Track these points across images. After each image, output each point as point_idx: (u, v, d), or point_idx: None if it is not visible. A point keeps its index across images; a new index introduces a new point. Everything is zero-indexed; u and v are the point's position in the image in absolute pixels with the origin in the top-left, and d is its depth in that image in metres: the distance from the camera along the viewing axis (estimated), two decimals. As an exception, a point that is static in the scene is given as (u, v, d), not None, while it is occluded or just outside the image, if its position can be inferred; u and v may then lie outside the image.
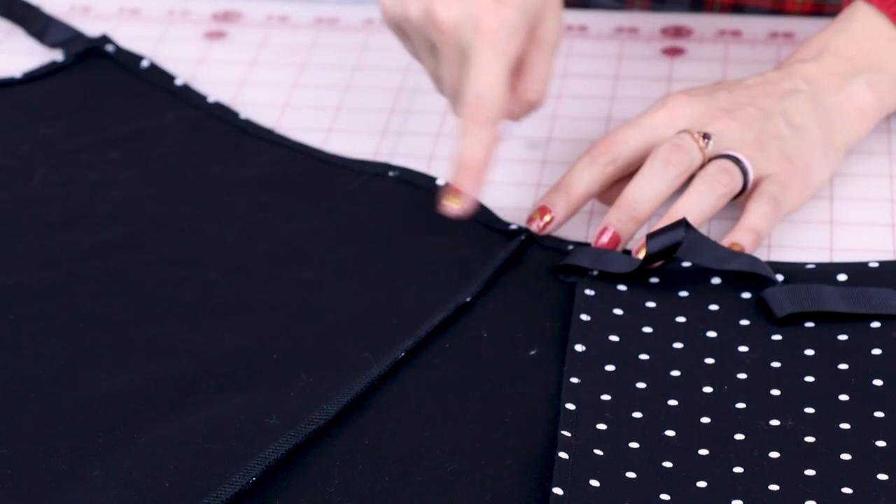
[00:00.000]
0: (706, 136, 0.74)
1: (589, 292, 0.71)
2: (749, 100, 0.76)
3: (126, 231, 0.76)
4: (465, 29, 0.72)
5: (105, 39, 0.90)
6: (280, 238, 0.75)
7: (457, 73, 0.74)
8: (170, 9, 0.95)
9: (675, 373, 0.67)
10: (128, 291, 0.72)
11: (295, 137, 0.83)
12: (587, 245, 0.74)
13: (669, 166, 0.73)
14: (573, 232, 0.76)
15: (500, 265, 0.73)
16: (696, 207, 0.72)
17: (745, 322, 0.69)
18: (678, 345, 0.68)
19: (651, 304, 0.70)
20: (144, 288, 0.72)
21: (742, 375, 0.66)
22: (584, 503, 0.60)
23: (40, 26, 0.91)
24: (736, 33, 0.90)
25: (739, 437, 0.63)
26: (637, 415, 0.64)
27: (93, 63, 0.89)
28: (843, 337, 0.68)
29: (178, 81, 0.87)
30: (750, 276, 0.71)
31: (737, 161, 0.74)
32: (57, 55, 0.90)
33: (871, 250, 0.74)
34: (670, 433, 0.63)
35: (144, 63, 0.88)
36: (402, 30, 0.76)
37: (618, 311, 0.70)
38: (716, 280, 0.71)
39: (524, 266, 0.73)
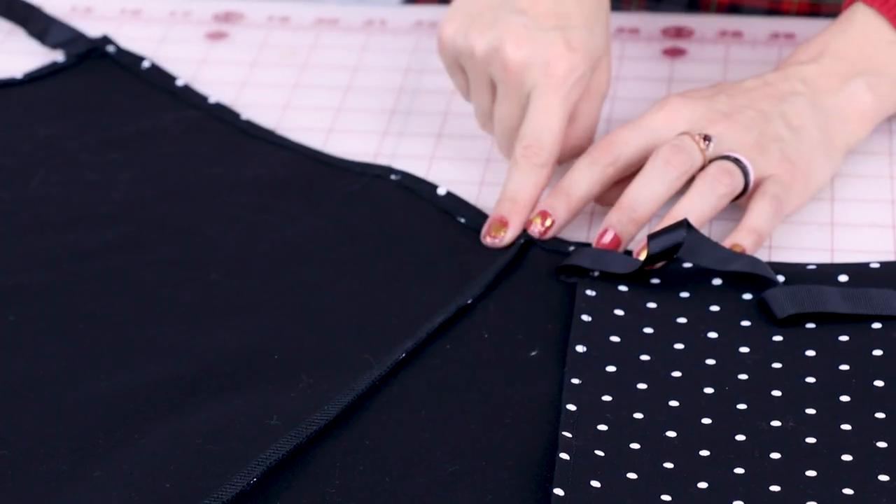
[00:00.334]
0: (706, 138, 0.74)
1: (590, 293, 0.71)
2: (748, 102, 0.76)
3: (126, 231, 0.76)
4: (533, 71, 0.74)
5: (106, 40, 0.90)
6: (281, 239, 0.75)
7: (515, 113, 0.75)
8: (171, 10, 0.95)
9: (676, 373, 0.67)
10: (128, 292, 0.72)
11: (296, 138, 0.83)
12: (588, 246, 0.74)
13: (670, 167, 0.73)
14: (574, 233, 0.76)
15: (500, 268, 0.72)
16: (697, 208, 0.73)
17: (746, 323, 0.69)
18: (679, 345, 0.68)
19: (652, 305, 0.70)
20: (145, 288, 0.72)
21: (743, 376, 0.66)
22: (584, 504, 0.60)
23: (41, 27, 0.91)
24: (737, 34, 0.90)
25: (740, 437, 0.63)
26: (638, 415, 0.64)
27: (94, 64, 0.89)
28: (844, 338, 0.68)
29: (179, 82, 0.87)
30: (751, 276, 0.71)
31: (737, 162, 0.74)
32: (58, 56, 0.90)
33: (871, 251, 0.74)
34: (671, 434, 0.63)
35: (145, 64, 0.88)
36: (460, 63, 0.77)
37: (619, 312, 0.70)
38: (717, 281, 0.71)
39: (525, 267, 0.73)
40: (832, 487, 0.61)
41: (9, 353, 0.69)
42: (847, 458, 0.62)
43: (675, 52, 0.89)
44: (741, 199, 0.75)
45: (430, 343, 0.69)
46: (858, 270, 0.71)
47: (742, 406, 0.65)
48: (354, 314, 0.70)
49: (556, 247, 0.74)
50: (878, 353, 0.67)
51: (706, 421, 0.64)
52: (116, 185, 0.79)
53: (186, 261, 0.74)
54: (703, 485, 0.61)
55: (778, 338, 0.68)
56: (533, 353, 0.68)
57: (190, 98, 0.86)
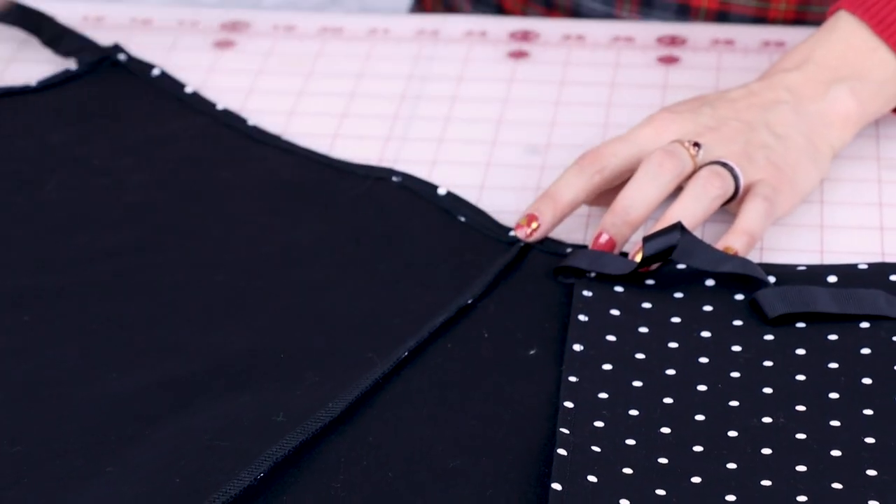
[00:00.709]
0: (696, 145, 0.75)
1: (587, 293, 0.71)
2: (733, 114, 0.76)
3: (137, 235, 0.76)
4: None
5: (117, 48, 0.90)
6: (287, 241, 0.76)
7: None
8: (180, 19, 0.95)
9: (671, 371, 0.67)
10: (139, 293, 0.72)
11: (301, 143, 0.83)
12: (585, 248, 0.74)
13: (663, 171, 0.74)
14: (571, 235, 0.76)
15: (500, 269, 0.73)
16: (690, 211, 0.73)
17: (738, 322, 0.70)
18: (673, 344, 0.68)
19: (647, 305, 0.71)
20: (155, 290, 0.73)
21: (735, 374, 0.67)
22: (582, 498, 0.60)
23: (55, 36, 0.91)
24: (729, 42, 0.90)
25: (733, 433, 0.64)
26: (633, 412, 0.65)
27: (105, 72, 0.89)
28: (833, 337, 0.69)
29: (188, 89, 0.87)
30: (743, 277, 0.71)
31: (727, 166, 0.74)
32: (70, 64, 0.90)
33: (860, 253, 0.75)
34: (666, 430, 0.64)
35: (155, 71, 0.88)
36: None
37: (615, 312, 0.70)
38: (710, 282, 0.72)
39: (523, 269, 0.73)
40: (822, 482, 0.61)
41: (24, 353, 0.69)
42: (836, 453, 0.63)
43: (669, 60, 0.89)
44: (731, 204, 0.75)
45: (431, 342, 0.69)
46: (847, 271, 0.72)
47: (734, 403, 0.65)
48: (358, 314, 0.71)
49: (553, 249, 0.74)
50: (866, 351, 0.68)
51: (700, 418, 0.64)
52: (127, 190, 0.80)
53: (195, 263, 0.74)
54: (696, 479, 0.61)
55: (769, 337, 0.69)
56: (531, 352, 0.68)
57: (198, 105, 0.86)
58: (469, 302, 0.71)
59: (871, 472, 0.62)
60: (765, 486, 0.61)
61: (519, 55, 0.91)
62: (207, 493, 0.61)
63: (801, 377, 0.67)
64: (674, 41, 0.91)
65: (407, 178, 0.80)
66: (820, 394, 0.66)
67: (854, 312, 0.69)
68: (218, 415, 0.65)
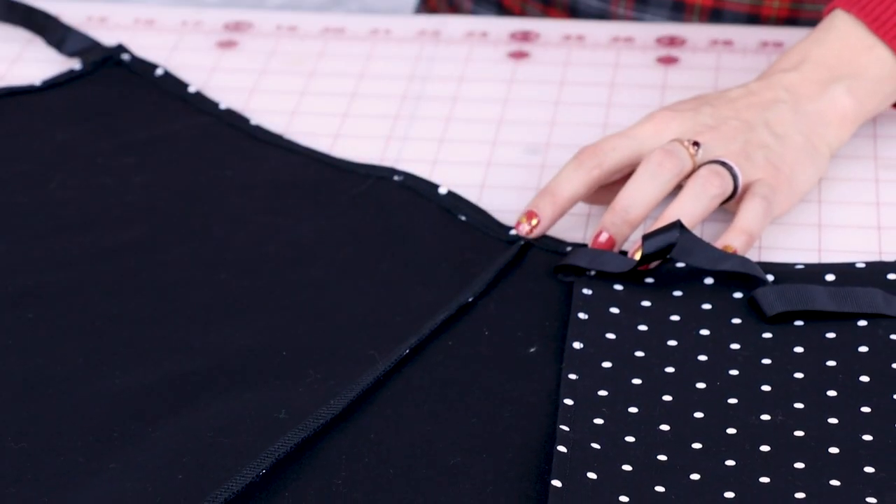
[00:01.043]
0: (695, 144, 0.75)
1: (586, 292, 0.71)
2: (733, 113, 0.77)
3: (140, 233, 0.76)
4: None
5: (121, 48, 0.90)
6: (289, 240, 0.76)
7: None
8: (183, 19, 0.95)
9: (670, 369, 0.67)
10: (142, 291, 0.72)
11: (303, 143, 0.83)
12: (584, 246, 0.74)
13: (662, 170, 0.74)
14: (571, 233, 0.77)
15: (500, 268, 0.73)
16: (690, 209, 0.73)
17: (736, 320, 0.70)
18: (672, 342, 0.69)
19: (646, 303, 0.71)
20: (158, 288, 0.73)
21: (734, 372, 0.67)
22: (581, 495, 0.60)
23: (59, 36, 0.91)
24: (727, 42, 0.91)
25: (731, 431, 0.64)
26: (633, 410, 0.65)
27: (109, 72, 0.89)
28: (830, 335, 0.69)
29: (192, 89, 0.87)
30: (741, 276, 0.72)
31: (726, 165, 0.74)
32: (75, 64, 0.90)
33: (857, 251, 0.75)
34: (665, 427, 0.64)
35: (159, 71, 0.88)
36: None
37: (614, 310, 0.70)
38: (708, 280, 0.72)
39: (524, 267, 0.73)
40: (820, 479, 0.61)
41: (28, 351, 0.69)
42: (834, 450, 0.63)
43: (668, 60, 0.89)
44: (730, 203, 0.76)
45: (432, 340, 0.69)
46: (845, 270, 0.72)
47: (733, 400, 0.65)
48: (359, 312, 0.71)
49: (553, 247, 0.74)
50: (863, 349, 0.68)
51: (698, 415, 0.65)
52: (131, 189, 0.80)
53: (197, 261, 0.74)
54: (695, 476, 0.61)
55: (767, 335, 0.69)
56: (532, 350, 0.69)
57: (201, 104, 0.86)
58: (470, 300, 0.71)
59: (869, 470, 0.62)
60: (763, 483, 0.61)
61: (519, 55, 0.92)
62: (210, 489, 0.61)
63: (799, 375, 0.67)
64: (673, 41, 0.91)
65: (408, 177, 0.80)
66: (818, 391, 0.66)
67: (852, 311, 0.70)
68: (220, 412, 0.65)
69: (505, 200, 0.79)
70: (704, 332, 0.69)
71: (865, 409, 0.65)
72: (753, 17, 0.93)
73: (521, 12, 0.99)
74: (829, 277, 0.72)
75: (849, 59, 0.78)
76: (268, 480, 0.62)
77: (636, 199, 0.74)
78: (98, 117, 0.86)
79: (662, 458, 0.63)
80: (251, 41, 0.93)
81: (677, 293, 0.72)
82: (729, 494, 0.61)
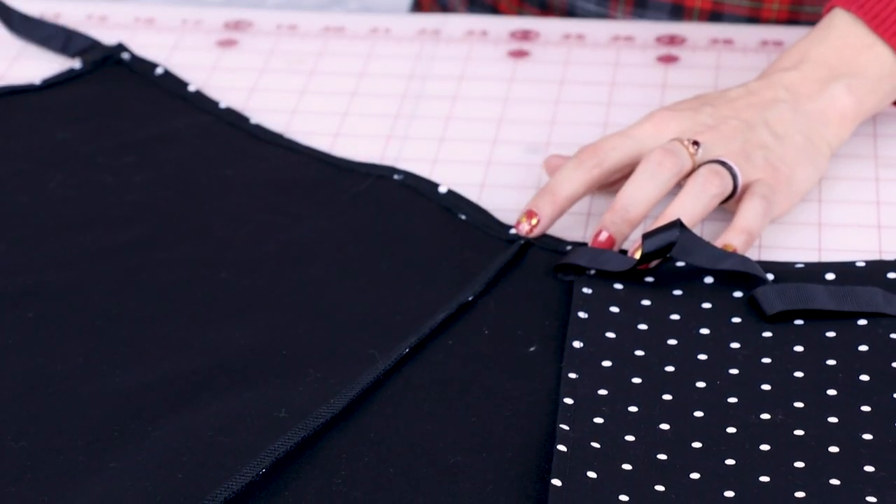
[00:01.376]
0: (695, 143, 0.75)
1: (586, 291, 0.71)
2: (732, 113, 0.77)
3: (140, 232, 0.76)
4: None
5: (121, 48, 0.90)
6: (289, 239, 0.76)
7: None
8: (183, 18, 0.95)
9: (670, 368, 0.67)
10: (142, 290, 0.73)
11: (304, 142, 0.83)
12: (584, 245, 0.74)
13: (662, 169, 0.74)
14: (571, 232, 0.77)
15: (500, 267, 0.73)
16: (689, 208, 0.73)
17: (736, 319, 0.70)
18: (672, 341, 0.69)
19: (646, 302, 0.71)
20: (158, 287, 0.73)
21: (734, 371, 0.67)
22: (581, 494, 0.60)
23: (62, 42, 0.91)
24: (727, 41, 0.91)
25: (731, 430, 0.64)
26: (633, 409, 0.65)
27: (109, 71, 0.89)
28: (830, 334, 0.69)
29: (191, 88, 0.87)
30: (741, 275, 0.72)
31: (726, 165, 0.75)
32: (74, 63, 0.90)
33: (857, 250, 0.75)
34: (665, 426, 0.64)
35: (159, 70, 0.89)
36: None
37: (614, 309, 0.70)
38: (708, 279, 0.72)
39: (524, 266, 0.74)
40: (820, 478, 0.61)
41: (28, 350, 0.69)
42: (834, 449, 0.63)
43: (668, 59, 0.90)
44: (729, 203, 0.76)
45: (432, 339, 0.69)
46: (845, 269, 0.72)
47: (733, 399, 0.65)
48: (359, 311, 0.71)
49: (553, 246, 0.75)
50: (863, 348, 0.68)
51: (698, 414, 0.65)
52: (131, 188, 0.80)
53: (198, 260, 0.74)
54: (695, 475, 0.62)
55: (767, 334, 0.69)
56: (532, 349, 0.69)
57: (201, 103, 0.86)
58: (470, 299, 0.71)
59: (869, 469, 0.62)
60: (763, 483, 0.61)
61: (519, 54, 0.92)
62: (210, 488, 0.61)
63: (799, 374, 0.67)
64: (673, 41, 0.91)
65: (408, 176, 0.80)
66: (818, 390, 0.66)
67: (852, 310, 0.70)
68: (220, 411, 0.65)
69: (505, 199, 0.79)
70: (704, 331, 0.70)
71: (865, 408, 0.65)
72: (753, 20, 0.93)
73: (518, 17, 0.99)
74: (829, 276, 0.72)
75: (848, 57, 0.79)
76: (268, 479, 0.62)
77: (636, 198, 0.74)
78: (98, 116, 0.86)
79: (662, 457, 0.63)
80: (251, 40, 0.94)
81: (677, 292, 0.72)
82: (729, 493, 0.61)
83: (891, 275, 0.72)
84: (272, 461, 0.62)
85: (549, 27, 0.94)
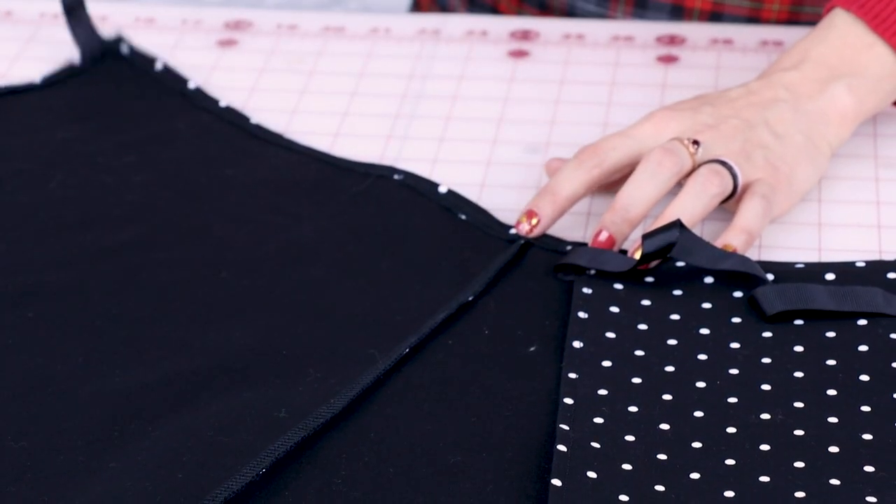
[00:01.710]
0: (695, 143, 0.75)
1: (586, 291, 0.71)
2: (733, 112, 0.77)
3: (140, 232, 0.76)
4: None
5: (120, 39, 0.90)
6: (289, 238, 0.76)
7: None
8: (183, 18, 0.95)
9: (670, 368, 0.67)
10: (142, 290, 0.73)
11: (303, 142, 0.84)
12: (584, 245, 0.74)
13: (662, 169, 0.74)
14: (571, 232, 0.77)
15: (500, 266, 0.73)
16: (689, 208, 0.73)
17: (736, 320, 0.70)
18: (672, 341, 0.69)
19: (646, 303, 0.71)
20: (158, 286, 0.73)
21: (734, 371, 0.67)
22: (581, 494, 0.60)
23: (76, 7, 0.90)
24: (727, 41, 0.91)
25: (731, 430, 0.64)
26: (633, 409, 0.65)
27: (109, 67, 0.89)
28: (830, 334, 0.69)
29: (191, 85, 0.87)
30: (741, 275, 0.72)
31: (726, 165, 0.75)
32: (74, 58, 0.90)
33: (857, 251, 0.75)
34: (665, 426, 0.64)
35: (158, 65, 0.89)
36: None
37: (614, 309, 0.71)
38: (708, 279, 0.72)
39: (524, 266, 0.74)
40: (820, 478, 0.61)
41: (28, 349, 0.69)
42: (834, 449, 0.63)
43: (668, 59, 0.90)
44: (729, 203, 0.76)
45: (432, 339, 0.69)
46: (845, 269, 0.72)
47: (733, 399, 0.65)
48: (360, 311, 0.71)
49: (553, 246, 0.75)
50: (863, 348, 0.68)
51: (698, 414, 0.65)
52: (131, 187, 0.80)
53: (198, 260, 0.74)
54: (695, 475, 0.62)
55: (767, 334, 0.69)
56: (532, 349, 0.69)
57: (201, 102, 0.86)
58: (470, 299, 0.72)
59: (869, 469, 0.62)
60: (763, 483, 0.61)
61: (519, 54, 0.92)
62: (210, 488, 0.61)
63: (799, 374, 0.67)
64: (673, 40, 0.91)
65: (408, 176, 0.80)
66: (818, 391, 0.66)
67: (852, 310, 0.70)
68: (220, 411, 0.65)
69: (505, 199, 0.79)
70: (704, 331, 0.70)
71: (865, 409, 0.65)
72: (753, 20, 0.93)
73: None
74: (829, 276, 0.72)
75: (849, 57, 0.79)
76: (268, 479, 0.62)
77: (636, 197, 0.74)
78: (98, 116, 0.86)
79: (662, 457, 0.63)
80: (251, 40, 0.94)
81: (677, 292, 0.72)
82: (729, 493, 0.61)
83: (891, 275, 0.72)
84: (272, 461, 0.62)
85: (549, 27, 0.94)
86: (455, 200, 0.78)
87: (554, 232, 0.77)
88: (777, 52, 0.90)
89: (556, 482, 0.61)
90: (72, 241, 0.76)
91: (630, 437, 0.64)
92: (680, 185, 0.76)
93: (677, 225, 0.71)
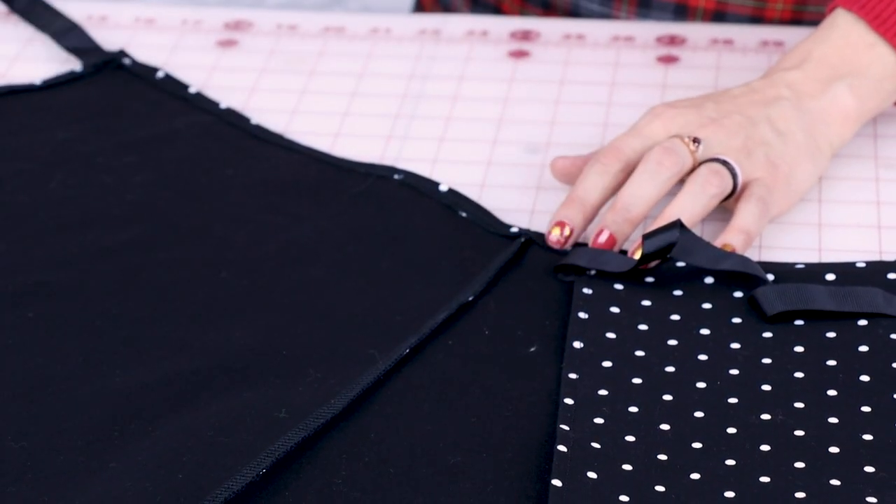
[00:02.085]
0: (696, 140, 0.75)
1: (587, 291, 0.71)
2: (735, 108, 0.77)
3: (140, 232, 0.76)
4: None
5: (122, 54, 0.90)
6: (289, 239, 0.76)
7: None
8: (183, 18, 0.95)
9: (670, 368, 0.67)
10: (142, 290, 0.73)
11: (304, 142, 0.84)
12: (585, 246, 0.74)
13: (662, 168, 0.74)
14: None
15: (501, 266, 0.73)
16: (689, 208, 0.73)
17: (736, 320, 0.70)
18: (672, 342, 0.69)
19: (646, 303, 0.71)
20: (158, 287, 0.73)
21: (734, 371, 0.67)
22: (582, 495, 0.60)
23: (61, 28, 0.91)
24: (728, 42, 0.91)
25: (731, 430, 0.64)
26: (633, 409, 0.65)
27: (110, 73, 0.89)
28: (831, 334, 0.69)
29: (192, 90, 0.87)
30: (742, 275, 0.72)
31: (726, 164, 0.75)
32: (75, 65, 0.90)
33: (857, 251, 0.75)
34: (665, 427, 0.64)
35: (160, 74, 0.89)
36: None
37: (614, 310, 0.71)
38: (709, 279, 0.72)
39: (524, 266, 0.74)
40: (820, 478, 0.61)
41: (28, 349, 0.69)
42: (834, 450, 0.63)
43: (668, 59, 0.90)
44: (729, 201, 0.76)
45: (432, 339, 0.69)
46: (845, 269, 0.72)
47: (733, 400, 0.65)
48: (360, 311, 0.71)
49: (554, 246, 0.75)
50: (863, 349, 0.68)
51: (699, 414, 0.65)
52: (131, 188, 0.80)
53: (198, 260, 0.74)
54: (695, 476, 0.62)
55: (768, 334, 0.69)
56: (532, 349, 0.69)
57: (202, 104, 0.86)
58: (470, 299, 0.72)
59: (869, 469, 0.62)
60: (763, 483, 0.61)
61: (519, 55, 0.92)
62: (210, 488, 0.61)
63: (799, 374, 0.67)
64: (673, 41, 0.91)
65: (409, 175, 0.80)
66: (818, 391, 0.66)
67: (852, 310, 0.70)
68: (220, 411, 0.65)
69: (505, 200, 0.79)
70: (705, 331, 0.70)
71: (866, 409, 0.65)
72: (756, 20, 0.93)
73: (520, 17, 0.99)
74: (830, 277, 0.72)
75: (851, 57, 0.79)
76: (268, 480, 0.62)
77: (636, 197, 0.74)
78: (98, 116, 0.86)
79: (663, 457, 0.63)
80: (251, 40, 0.94)
81: (677, 292, 0.72)
82: (729, 494, 0.61)
83: (891, 275, 0.72)
84: (272, 461, 0.62)
85: (550, 27, 0.94)
86: (456, 199, 0.78)
87: (554, 232, 0.77)
88: (777, 53, 0.90)
89: (557, 482, 0.61)
90: (72, 241, 0.76)
91: (630, 438, 0.64)
92: (681, 182, 0.76)
93: (678, 225, 0.71)
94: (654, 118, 0.77)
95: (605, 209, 0.76)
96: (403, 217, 0.77)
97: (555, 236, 0.74)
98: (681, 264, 0.73)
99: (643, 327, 0.70)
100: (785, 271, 0.72)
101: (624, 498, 0.61)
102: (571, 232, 0.74)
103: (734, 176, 0.75)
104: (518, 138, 0.84)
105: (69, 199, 0.79)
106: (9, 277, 0.74)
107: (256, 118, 0.86)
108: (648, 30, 0.93)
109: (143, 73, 0.89)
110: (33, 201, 0.79)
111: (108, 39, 0.93)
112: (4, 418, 0.65)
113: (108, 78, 0.89)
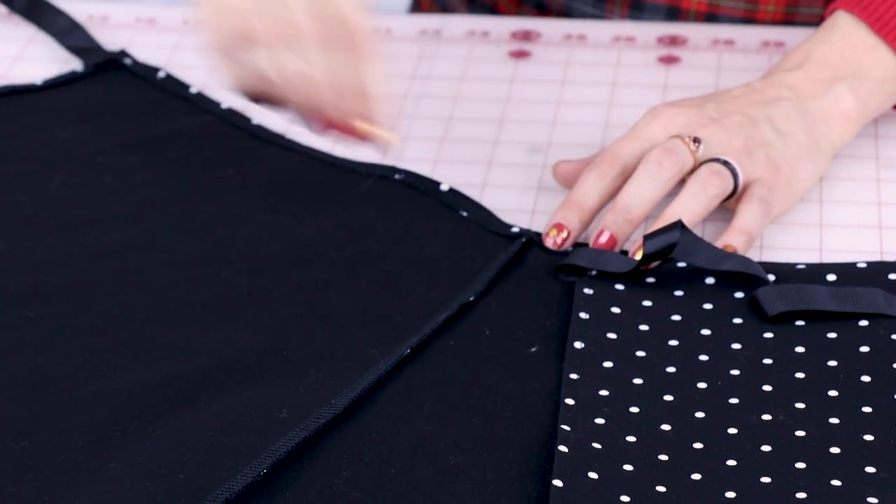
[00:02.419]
0: (696, 141, 0.75)
1: (588, 291, 0.72)
2: (736, 108, 0.77)
3: (142, 232, 0.76)
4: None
5: (123, 54, 0.90)
6: (290, 239, 0.76)
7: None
8: (184, 19, 0.95)
9: (671, 369, 0.67)
10: (143, 290, 0.73)
11: (305, 142, 0.83)
12: (586, 246, 0.74)
13: (662, 169, 0.74)
14: None
15: (501, 266, 0.73)
16: (690, 209, 0.73)
17: (737, 320, 0.70)
18: (673, 342, 0.69)
19: (647, 303, 0.71)
20: (159, 287, 0.73)
21: (735, 372, 0.67)
22: (582, 495, 0.60)
23: (62, 28, 0.91)
24: (729, 42, 0.91)
25: (732, 431, 0.64)
26: (634, 409, 0.65)
27: (111, 73, 0.89)
28: (832, 335, 0.69)
29: (193, 90, 0.87)
30: (743, 276, 0.72)
31: (726, 164, 0.75)
32: (76, 65, 0.90)
33: (858, 251, 0.75)
34: (666, 427, 0.64)
35: (161, 74, 0.89)
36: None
37: (615, 310, 0.71)
38: (710, 280, 0.72)
39: (525, 266, 0.74)
40: (821, 479, 0.61)
41: (29, 350, 0.69)
42: (835, 450, 0.63)
43: (669, 60, 0.90)
44: (730, 201, 0.76)
45: (433, 339, 0.69)
46: (846, 270, 0.72)
47: (734, 400, 0.65)
48: (361, 311, 0.71)
49: (555, 246, 0.75)
50: (864, 349, 0.68)
51: (699, 414, 0.65)
52: (132, 187, 0.80)
53: (199, 260, 0.75)
54: (696, 476, 0.62)
55: (769, 335, 0.69)
56: (533, 350, 0.69)
57: (203, 104, 0.86)
58: (471, 299, 0.72)
59: (870, 469, 0.62)
60: (764, 483, 0.61)
61: (520, 55, 0.92)
62: (210, 488, 0.61)
63: (800, 375, 0.67)
64: (674, 41, 0.92)
65: (409, 175, 0.80)
66: (819, 391, 0.66)
67: (853, 311, 0.70)
68: (221, 411, 0.65)
69: (506, 200, 0.79)
70: (705, 331, 0.70)
71: (867, 409, 0.65)
72: (748, 21, 0.93)
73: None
74: (831, 277, 0.72)
75: (851, 58, 0.79)
76: (269, 480, 0.62)
77: (637, 198, 0.74)
78: (99, 116, 0.86)
79: (663, 457, 0.63)
80: (252, 40, 0.94)
81: (678, 293, 0.72)
82: (730, 494, 0.61)
83: (892, 276, 0.72)
84: (273, 461, 0.62)
85: (550, 28, 0.94)
86: (457, 199, 0.78)
87: (554, 232, 0.77)
88: (778, 54, 0.90)
89: (558, 483, 0.61)
90: (72, 241, 0.76)
91: (631, 438, 0.64)
92: (682, 182, 0.76)
93: (678, 226, 0.71)
94: (654, 118, 0.77)
95: (605, 210, 0.76)
96: (404, 217, 0.77)
97: (552, 239, 0.74)
98: (682, 265, 0.73)
99: (644, 328, 0.70)
100: (786, 272, 0.72)
101: (625, 498, 0.61)
102: (569, 234, 0.74)
103: (735, 176, 0.75)
104: (519, 138, 0.84)
105: (70, 199, 0.80)
106: (9, 277, 0.74)
107: (258, 118, 0.86)
108: (649, 30, 0.93)
109: (145, 73, 0.89)
110: (34, 201, 0.79)
111: (109, 39, 0.93)
112: (4, 418, 0.65)
113: (109, 78, 0.89)
